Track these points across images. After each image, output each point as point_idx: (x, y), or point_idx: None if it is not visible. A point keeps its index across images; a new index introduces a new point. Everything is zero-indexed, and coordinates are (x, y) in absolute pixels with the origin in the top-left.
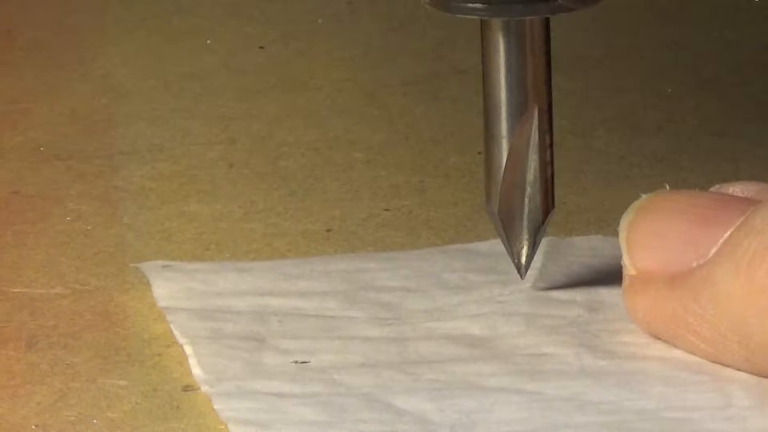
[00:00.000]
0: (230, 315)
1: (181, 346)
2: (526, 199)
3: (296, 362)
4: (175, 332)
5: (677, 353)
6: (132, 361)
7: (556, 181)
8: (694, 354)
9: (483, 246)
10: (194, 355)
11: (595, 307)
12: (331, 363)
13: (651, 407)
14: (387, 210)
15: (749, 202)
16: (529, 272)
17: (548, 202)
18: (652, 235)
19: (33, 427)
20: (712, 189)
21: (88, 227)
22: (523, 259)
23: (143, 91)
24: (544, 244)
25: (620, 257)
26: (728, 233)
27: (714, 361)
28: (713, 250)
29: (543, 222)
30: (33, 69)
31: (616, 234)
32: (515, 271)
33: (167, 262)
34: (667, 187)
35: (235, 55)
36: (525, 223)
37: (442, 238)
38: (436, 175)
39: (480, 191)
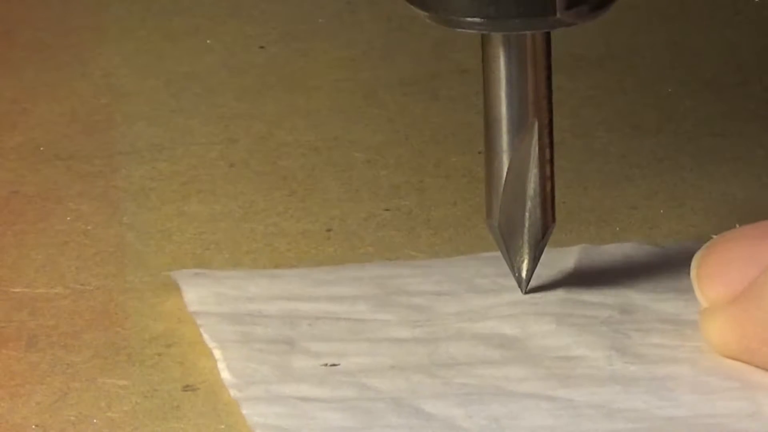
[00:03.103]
0: (260, 319)
1: (210, 350)
2: (527, 213)
3: (326, 365)
4: (205, 336)
5: (707, 357)
6: (132, 361)
7: (556, 181)
8: None
9: None
10: (223, 360)
11: (626, 309)
12: (361, 366)
13: (680, 415)
14: (387, 210)
15: None
16: (561, 277)
17: (548, 217)
18: (718, 265)
19: (33, 427)
20: None
21: (88, 227)
22: (524, 273)
23: (143, 91)
24: (576, 252)
25: (654, 263)
26: None
27: None
28: None
29: (543, 236)
30: (33, 69)
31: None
32: (545, 275)
33: (199, 270)
34: (737, 225)
35: (235, 55)
36: (525, 237)
37: (442, 238)
38: (436, 175)
39: (480, 191)
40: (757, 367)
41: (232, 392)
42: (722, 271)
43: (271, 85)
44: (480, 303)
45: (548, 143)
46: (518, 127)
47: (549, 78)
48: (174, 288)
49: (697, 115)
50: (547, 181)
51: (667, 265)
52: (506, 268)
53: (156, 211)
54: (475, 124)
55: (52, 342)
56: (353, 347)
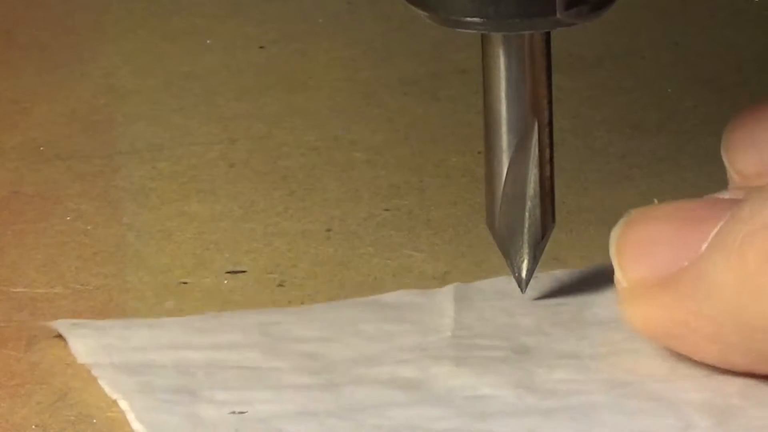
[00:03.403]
0: (155, 369)
1: (114, 401)
2: (527, 213)
3: (233, 413)
4: (106, 388)
5: (619, 386)
6: None
7: (556, 181)
8: (699, 357)
9: (389, 297)
10: (131, 411)
11: (520, 350)
12: (270, 413)
13: None
14: (387, 210)
15: (735, 202)
16: (445, 321)
17: (548, 217)
18: (641, 245)
19: (33, 427)
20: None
21: (88, 227)
22: (524, 273)
23: (143, 91)
24: (452, 291)
25: (527, 297)
26: (717, 228)
27: (720, 362)
28: (703, 247)
29: (543, 237)
30: (33, 69)
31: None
32: (430, 320)
33: (76, 321)
34: (656, 201)
35: (235, 55)
36: (525, 237)
37: (442, 238)
38: (436, 175)
39: (480, 191)
40: (680, 352)
41: None
42: (647, 252)
43: (271, 85)
44: (371, 349)
45: (548, 143)
46: (518, 128)
47: (549, 78)
48: (175, 289)
49: (697, 115)
50: (547, 181)
51: (541, 299)
52: (385, 313)
53: (156, 211)
54: (475, 124)
55: (52, 342)
56: (256, 395)
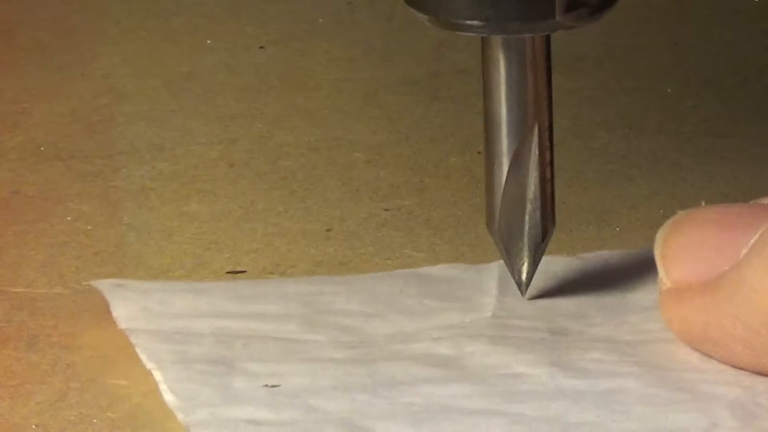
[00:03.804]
0: (192, 337)
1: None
2: (527, 216)
3: (267, 386)
4: (142, 356)
5: (651, 370)
6: (132, 361)
7: (556, 181)
8: (732, 362)
9: (435, 270)
10: (164, 381)
11: (557, 332)
12: (303, 387)
13: (635, 428)
14: (387, 210)
15: None
16: (487, 300)
17: (548, 220)
18: (685, 247)
19: (33, 426)
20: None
21: (88, 227)
22: (524, 276)
23: (143, 91)
24: (497, 268)
25: (574, 279)
26: (758, 234)
27: (753, 367)
28: (743, 252)
29: (543, 239)
30: (33, 69)
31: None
32: (471, 297)
33: (120, 281)
34: (703, 203)
35: (235, 55)
36: (525, 240)
37: (442, 237)
38: (436, 175)
39: (480, 191)
40: (713, 358)
41: (179, 416)
42: (690, 254)
43: (271, 85)
44: (410, 325)
45: (548, 146)
46: (518, 130)
47: (549, 80)
48: None
49: (697, 115)
50: (547, 183)
51: (589, 280)
52: (429, 288)
53: (156, 211)
54: (475, 124)
55: (52, 342)
56: (291, 368)
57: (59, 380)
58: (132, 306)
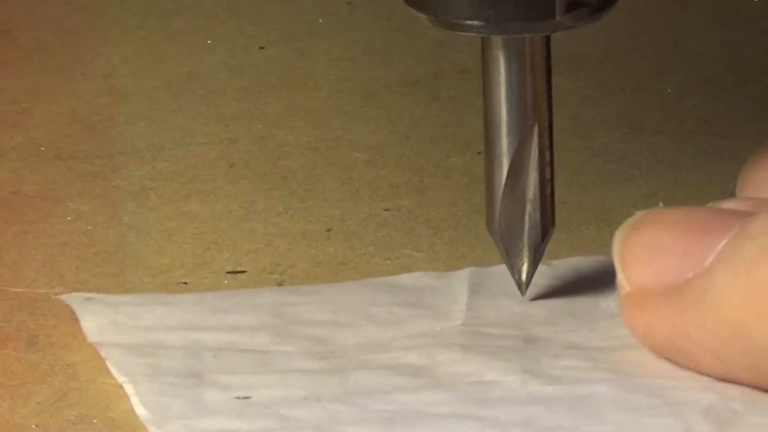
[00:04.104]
0: (163, 350)
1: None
2: (527, 216)
3: (238, 398)
4: (112, 370)
5: (623, 377)
6: None
7: (556, 181)
8: (700, 370)
9: (405, 279)
10: (136, 395)
11: (529, 339)
12: (274, 397)
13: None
14: (387, 210)
15: (744, 214)
16: (457, 308)
17: (548, 220)
18: (646, 249)
19: (33, 426)
20: (707, 205)
21: (88, 227)
22: (524, 276)
23: (143, 91)
24: (467, 275)
25: (544, 285)
26: (725, 241)
27: (718, 375)
28: (710, 259)
29: (543, 240)
30: (33, 69)
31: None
32: (442, 306)
33: (89, 294)
34: (661, 204)
35: (235, 55)
36: (525, 240)
37: (442, 238)
38: (436, 175)
39: (480, 191)
40: (679, 366)
41: (151, 429)
42: (651, 258)
43: (271, 85)
44: (380, 335)
45: (548, 146)
46: (518, 130)
47: (549, 81)
48: (175, 289)
49: (697, 115)
50: (547, 184)
51: (558, 287)
52: (399, 297)
53: (156, 211)
54: (475, 124)
55: (52, 342)
56: (262, 379)
57: (59, 380)
58: (102, 320)
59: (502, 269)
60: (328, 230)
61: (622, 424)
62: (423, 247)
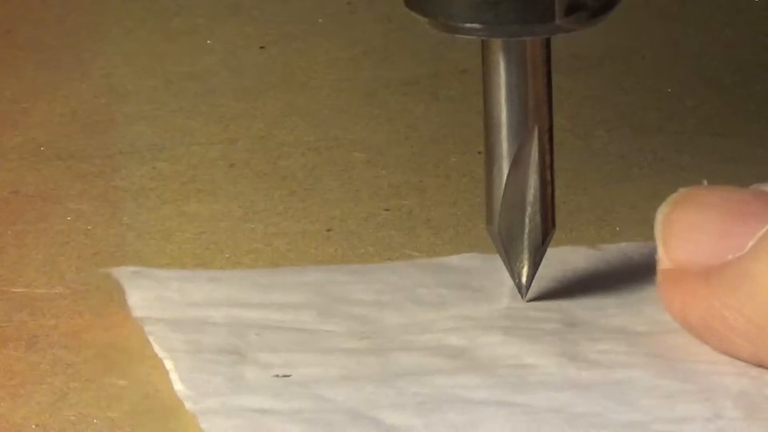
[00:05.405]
0: (207, 326)
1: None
2: (527, 219)
3: (277, 376)
4: (155, 346)
5: (660, 361)
6: (132, 361)
7: (556, 182)
8: (732, 353)
9: (454, 260)
10: (175, 371)
11: (571, 323)
12: (313, 377)
13: (640, 419)
14: (387, 210)
15: None
16: (502, 290)
17: (548, 223)
18: (688, 228)
19: (33, 426)
20: (750, 187)
21: (88, 227)
22: (524, 279)
23: (143, 91)
24: None
25: (591, 270)
26: (767, 227)
27: (750, 359)
28: (750, 243)
29: (543, 242)
30: (33, 69)
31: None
32: (488, 288)
33: (137, 268)
34: (705, 182)
35: (235, 55)
36: (525, 242)
37: (442, 238)
38: (436, 175)
39: (480, 191)
40: (709, 345)
41: (188, 404)
42: (693, 236)
43: (271, 85)
44: (424, 316)
45: (548, 149)
46: (518, 133)
47: (549, 83)
48: None
49: (697, 115)
50: (547, 186)
51: (605, 271)
52: (446, 277)
53: (156, 211)
54: (475, 124)
55: (52, 342)
56: (303, 358)
57: (59, 380)
58: (148, 294)
59: (552, 252)
60: (328, 230)
61: (652, 410)
62: (423, 247)
